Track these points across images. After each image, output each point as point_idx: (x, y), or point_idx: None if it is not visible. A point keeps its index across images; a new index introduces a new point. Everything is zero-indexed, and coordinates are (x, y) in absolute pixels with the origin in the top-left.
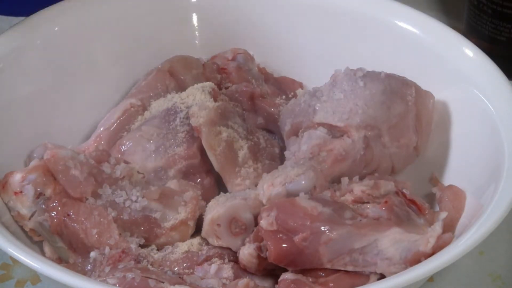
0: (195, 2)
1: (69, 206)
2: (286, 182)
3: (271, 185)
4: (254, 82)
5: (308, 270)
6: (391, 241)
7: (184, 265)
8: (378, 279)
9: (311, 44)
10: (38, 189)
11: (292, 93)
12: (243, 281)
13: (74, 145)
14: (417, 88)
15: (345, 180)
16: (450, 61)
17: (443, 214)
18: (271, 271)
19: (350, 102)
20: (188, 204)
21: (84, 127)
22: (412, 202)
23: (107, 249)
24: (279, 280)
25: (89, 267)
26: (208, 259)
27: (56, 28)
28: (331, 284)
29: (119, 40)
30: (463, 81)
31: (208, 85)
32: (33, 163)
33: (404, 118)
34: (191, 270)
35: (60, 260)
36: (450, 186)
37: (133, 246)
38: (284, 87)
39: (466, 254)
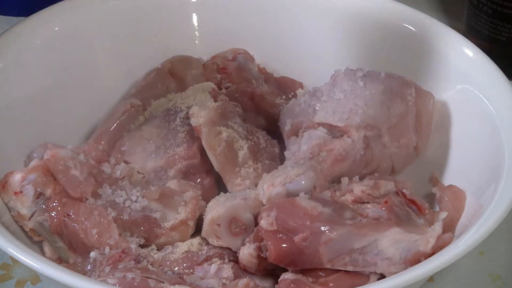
0: (195, 2)
1: (69, 206)
2: (286, 182)
3: (271, 185)
4: (254, 82)
5: (308, 270)
6: (391, 241)
7: (184, 265)
8: (378, 279)
9: (311, 44)
10: (38, 189)
11: (292, 93)
12: (243, 281)
13: (74, 145)
14: (417, 88)
15: (345, 180)
16: (450, 61)
17: (443, 214)
18: (271, 271)
19: (350, 102)
20: (188, 204)
21: (84, 127)
22: (412, 202)
23: (107, 249)
24: (279, 280)
25: (89, 267)
26: (208, 259)
27: (56, 28)
28: (331, 284)
29: (119, 40)
30: (463, 81)
31: (208, 85)
32: (33, 163)
33: (404, 118)
34: (191, 270)
35: (60, 260)
36: (450, 186)
37: (133, 246)
38: (284, 87)
39: (466, 254)
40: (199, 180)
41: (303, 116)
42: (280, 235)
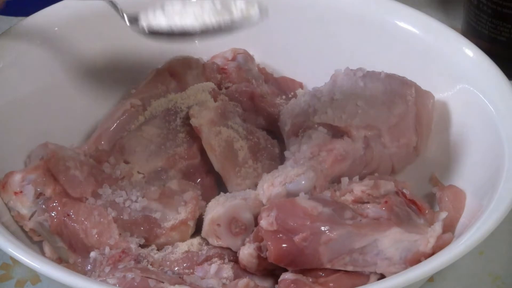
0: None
1: (69, 206)
2: (286, 182)
3: (271, 185)
4: (254, 82)
5: (308, 270)
6: (391, 241)
7: (184, 265)
8: (378, 279)
9: (311, 44)
10: (38, 189)
11: (292, 93)
12: (243, 281)
13: (74, 145)
14: (417, 88)
15: (345, 180)
16: (450, 61)
17: (443, 214)
18: (271, 271)
19: (350, 102)
20: (188, 204)
21: (84, 127)
22: (412, 202)
23: (107, 249)
24: (279, 280)
25: (89, 267)
26: (208, 259)
27: (56, 28)
28: (331, 284)
29: (119, 40)
30: (463, 81)
31: (208, 85)
32: (33, 163)
33: (404, 118)
34: (191, 270)
35: (60, 260)
36: (450, 186)
37: (133, 246)
38: (284, 87)
39: (466, 254)
40: (199, 180)
41: (303, 116)
42: (280, 235)
